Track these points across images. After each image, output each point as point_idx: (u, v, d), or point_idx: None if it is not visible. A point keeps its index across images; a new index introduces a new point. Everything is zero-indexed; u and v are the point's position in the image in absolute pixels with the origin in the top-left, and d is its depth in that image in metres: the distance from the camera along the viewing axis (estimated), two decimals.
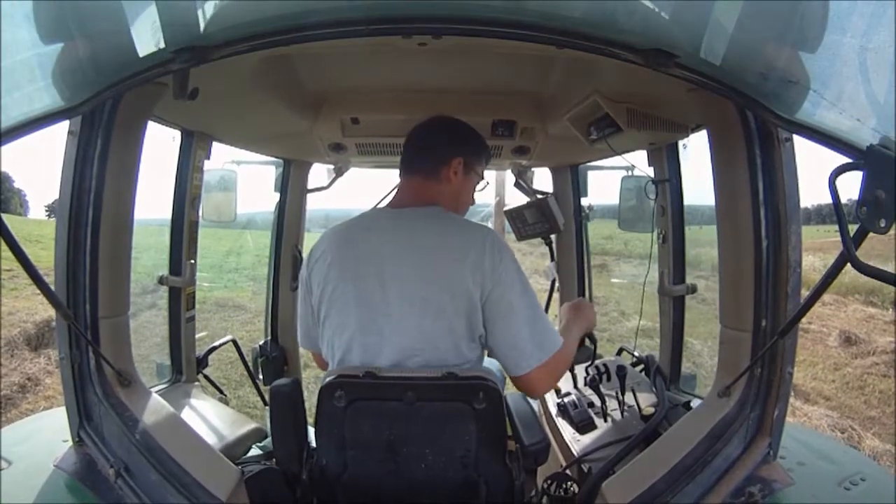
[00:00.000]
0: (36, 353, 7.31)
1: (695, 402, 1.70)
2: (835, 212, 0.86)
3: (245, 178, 2.51)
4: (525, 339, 1.34)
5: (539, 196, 2.67)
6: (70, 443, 1.26)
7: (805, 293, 1.11)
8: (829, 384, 7.95)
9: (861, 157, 0.82)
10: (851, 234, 0.84)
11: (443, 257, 1.32)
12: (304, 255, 2.79)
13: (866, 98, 0.84)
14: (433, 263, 1.32)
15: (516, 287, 1.34)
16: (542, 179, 2.81)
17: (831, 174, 0.84)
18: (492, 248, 1.33)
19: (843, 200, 0.88)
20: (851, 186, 0.84)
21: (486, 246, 1.33)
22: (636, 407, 1.74)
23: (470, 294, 1.30)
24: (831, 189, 0.85)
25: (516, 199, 2.90)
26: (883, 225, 0.78)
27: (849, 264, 0.86)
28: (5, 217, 1.00)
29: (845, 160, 0.84)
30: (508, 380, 1.50)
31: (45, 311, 7.54)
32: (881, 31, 0.74)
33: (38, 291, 1.07)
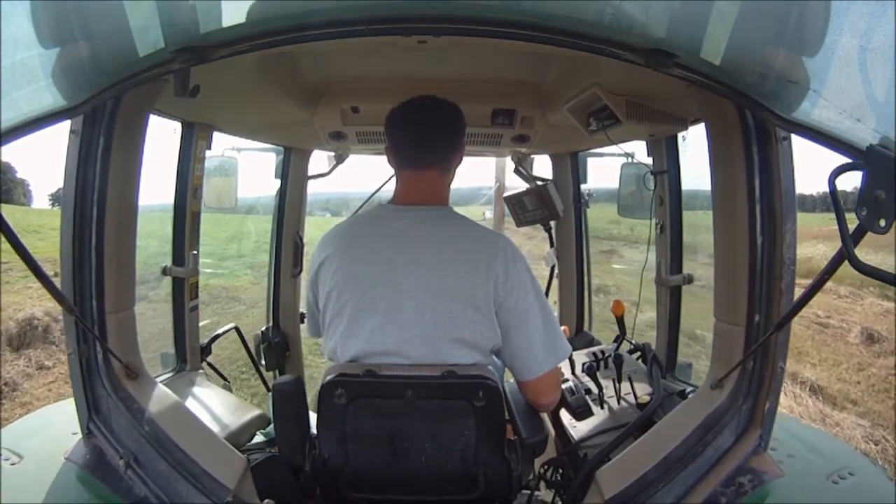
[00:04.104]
0: (17, 353, 6.85)
1: (689, 391, 1.73)
2: (834, 211, 0.86)
3: (245, 165, 2.52)
4: (538, 345, 1.35)
5: (539, 183, 2.67)
6: (79, 435, 1.29)
7: (809, 281, 1.12)
8: (855, 386, 7.54)
9: (861, 157, 0.82)
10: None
11: (455, 267, 1.30)
12: (306, 243, 2.84)
13: (866, 98, 0.84)
14: (445, 273, 1.30)
15: (530, 295, 1.34)
16: (542, 166, 2.81)
17: (831, 174, 0.85)
18: (504, 256, 1.32)
19: (849, 189, 0.89)
20: (853, 178, 0.85)
21: (498, 255, 1.32)
22: (632, 395, 1.76)
23: (482, 304, 1.30)
24: (831, 189, 0.85)
25: (516, 184, 2.91)
26: (883, 225, 0.78)
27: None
28: (5, 210, 0.99)
29: (845, 160, 0.84)
30: (507, 371, 1.53)
31: (32, 306, 7.03)
32: (881, 31, 0.74)
33: (30, 285, 1.08)
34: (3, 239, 0.94)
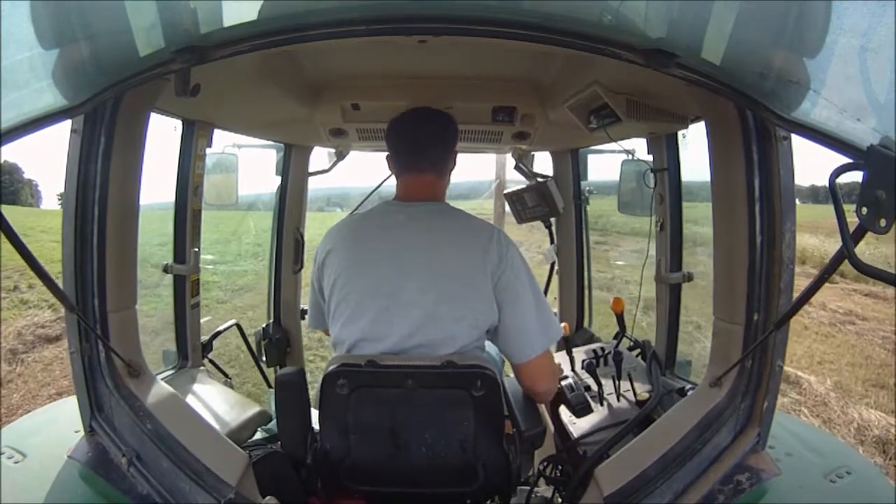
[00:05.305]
0: None
1: (689, 389, 1.73)
2: (835, 211, 0.86)
3: (246, 162, 2.51)
4: (531, 324, 1.42)
5: (539, 179, 2.67)
6: (82, 433, 1.29)
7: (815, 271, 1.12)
8: None
9: (861, 157, 0.82)
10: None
11: (454, 253, 1.39)
12: (306, 239, 2.84)
13: (866, 98, 0.83)
14: (445, 258, 1.39)
15: (522, 276, 1.42)
16: (543, 162, 2.81)
17: (831, 174, 0.85)
18: (498, 241, 1.42)
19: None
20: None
21: (493, 240, 1.41)
22: (632, 392, 1.77)
23: (480, 284, 1.37)
24: (831, 189, 0.85)
25: (516, 178, 2.91)
26: (883, 225, 0.78)
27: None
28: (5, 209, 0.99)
29: (845, 160, 0.84)
30: (507, 364, 1.55)
31: None
32: (881, 31, 0.74)
33: None
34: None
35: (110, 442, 1.26)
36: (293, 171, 2.74)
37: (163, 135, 1.94)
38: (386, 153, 1.60)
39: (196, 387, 1.94)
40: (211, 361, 2.22)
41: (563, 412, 1.79)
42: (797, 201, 1.26)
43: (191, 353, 2.08)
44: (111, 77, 1.03)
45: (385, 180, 2.39)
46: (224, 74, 1.45)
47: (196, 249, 2.06)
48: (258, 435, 1.85)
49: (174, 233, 2.04)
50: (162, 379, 1.48)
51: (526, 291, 1.42)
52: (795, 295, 1.19)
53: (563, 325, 1.73)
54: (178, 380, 1.95)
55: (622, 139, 1.99)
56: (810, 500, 1.20)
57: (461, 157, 1.70)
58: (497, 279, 1.39)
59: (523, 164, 2.74)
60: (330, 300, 1.45)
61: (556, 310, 2.80)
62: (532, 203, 2.68)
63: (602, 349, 2.01)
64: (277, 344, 2.81)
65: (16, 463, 1.26)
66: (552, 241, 2.85)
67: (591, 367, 1.83)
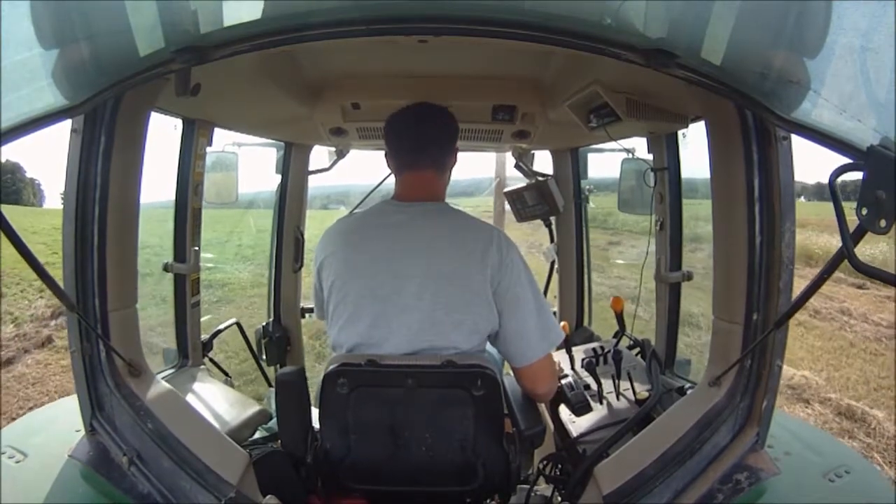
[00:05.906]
0: None
1: (688, 388, 1.73)
2: (835, 211, 0.86)
3: (245, 160, 2.51)
4: (532, 329, 1.40)
5: (539, 178, 2.67)
6: (83, 433, 1.30)
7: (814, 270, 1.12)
8: None
9: (861, 157, 0.82)
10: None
11: (454, 254, 1.37)
12: (306, 238, 2.84)
13: (866, 98, 0.83)
14: (444, 260, 1.37)
15: (522, 280, 1.40)
16: (543, 161, 2.81)
17: (831, 175, 0.85)
18: (498, 244, 1.39)
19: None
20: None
21: (493, 241, 1.39)
22: (631, 391, 1.77)
23: (480, 288, 1.35)
24: (831, 189, 0.86)
25: (517, 178, 2.91)
26: (883, 225, 0.78)
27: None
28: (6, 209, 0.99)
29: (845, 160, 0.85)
30: (507, 364, 1.54)
31: None
32: (881, 31, 0.74)
33: None
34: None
35: (111, 441, 1.26)
36: (293, 170, 2.75)
37: (162, 134, 1.94)
38: (384, 152, 1.57)
39: (196, 386, 1.94)
40: (211, 360, 2.22)
41: (563, 411, 1.79)
42: (803, 199, 1.26)
43: (191, 351, 2.09)
44: (111, 77, 1.04)
45: (386, 178, 2.39)
46: (224, 74, 1.45)
47: (196, 248, 2.07)
48: (258, 434, 1.86)
49: (174, 231, 2.04)
50: (162, 378, 1.49)
51: (527, 295, 1.40)
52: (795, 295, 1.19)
53: (562, 323, 1.73)
54: (178, 379, 1.96)
55: (622, 138, 2.00)
56: (809, 499, 1.20)
57: (461, 155, 1.69)
58: (497, 283, 1.37)
59: (523, 163, 2.74)
60: (328, 302, 1.44)
61: (555, 308, 2.80)
62: (532, 201, 2.69)
63: (602, 348, 2.01)
64: (277, 342, 2.81)
65: (17, 462, 1.26)
66: (552, 240, 2.86)
67: (590, 366, 1.83)
